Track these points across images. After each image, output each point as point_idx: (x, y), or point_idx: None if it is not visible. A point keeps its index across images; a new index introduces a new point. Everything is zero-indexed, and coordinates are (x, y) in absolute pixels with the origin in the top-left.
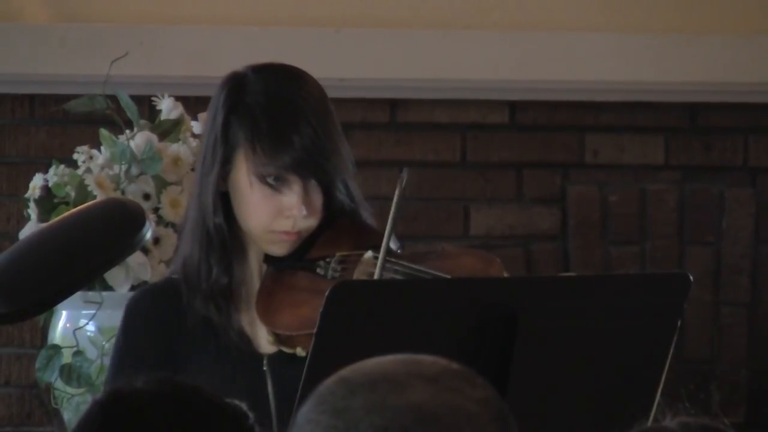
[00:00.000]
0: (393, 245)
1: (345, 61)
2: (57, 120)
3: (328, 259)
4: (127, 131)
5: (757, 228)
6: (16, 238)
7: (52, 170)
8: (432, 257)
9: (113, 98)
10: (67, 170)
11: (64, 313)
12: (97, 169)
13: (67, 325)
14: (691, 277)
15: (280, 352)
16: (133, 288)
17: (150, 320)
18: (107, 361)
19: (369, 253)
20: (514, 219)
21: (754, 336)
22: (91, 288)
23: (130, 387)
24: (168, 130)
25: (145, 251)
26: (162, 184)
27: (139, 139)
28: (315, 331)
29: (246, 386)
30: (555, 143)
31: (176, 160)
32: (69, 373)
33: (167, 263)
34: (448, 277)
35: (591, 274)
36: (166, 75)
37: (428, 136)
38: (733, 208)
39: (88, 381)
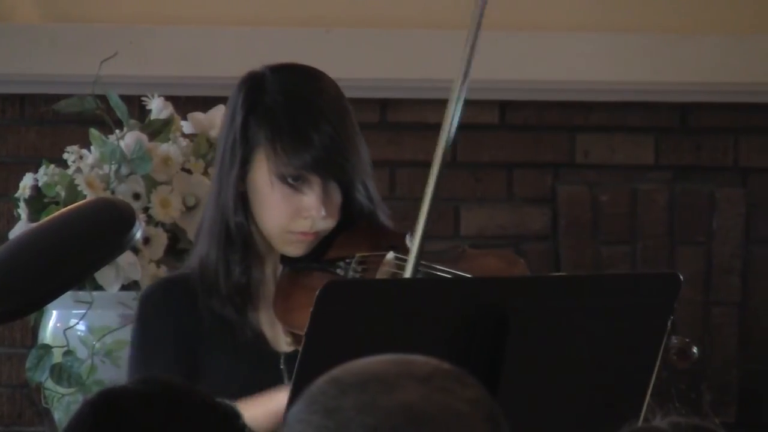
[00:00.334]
0: (415, 245)
1: (335, 61)
2: (47, 120)
3: (348, 260)
4: (117, 131)
5: (748, 228)
6: (6, 238)
7: (42, 170)
8: (455, 258)
9: (103, 98)
10: (57, 170)
11: (55, 312)
12: (87, 168)
13: (58, 324)
14: (682, 277)
15: (296, 351)
16: (123, 288)
17: (165, 311)
18: (97, 360)
19: (391, 254)
20: (504, 219)
21: (744, 336)
22: (81, 288)
23: (122, 387)
24: (158, 130)
25: (135, 251)
26: (152, 183)
27: (129, 139)
28: (305, 330)
29: (263, 385)
30: (546, 143)
31: (166, 160)
32: (59, 373)
33: (157, 263)
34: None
35: (582, 274)
36: (156, 75)
37: (419, 136)
38: (724, 208)
39: (79, 381)
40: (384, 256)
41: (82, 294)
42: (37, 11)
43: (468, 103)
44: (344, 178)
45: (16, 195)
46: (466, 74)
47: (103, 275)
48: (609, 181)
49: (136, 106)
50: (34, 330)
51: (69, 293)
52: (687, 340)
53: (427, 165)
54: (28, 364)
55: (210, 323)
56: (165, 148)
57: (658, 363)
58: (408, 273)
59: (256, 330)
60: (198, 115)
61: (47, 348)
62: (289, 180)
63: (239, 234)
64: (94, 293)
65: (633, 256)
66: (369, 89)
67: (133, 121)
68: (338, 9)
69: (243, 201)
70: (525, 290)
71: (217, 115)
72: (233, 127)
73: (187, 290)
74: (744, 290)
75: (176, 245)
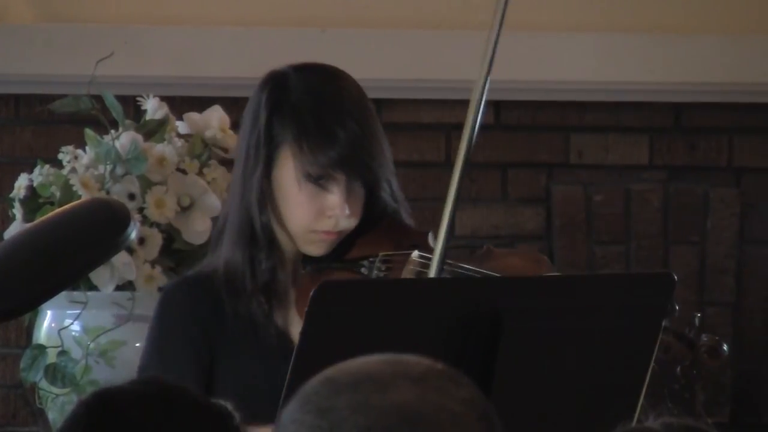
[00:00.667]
0: (439, 244)
1: (330, 61)
2: (42, 120)
3: (371, 259)
4: (112, 131)
5: (742, 228)
6: (1, 238)
7: (37, 170)
8: (480, 257)
9: (98, 98)
10: (52, 170)
11: (49, 312)
12: (82, 169)
13: (52, 324)
14: (676, 277)
15: None
16: (118, 288)
17: (186, 310)
18: (92, 361)
19: (416, 253)
20: (499, 219)
21: (738, 336)
22: (76, 288)
23: (116, 387)
24: (153, 130)
25: (130, 251)
26: (147, 184)
27: (124, 139)
28: (300, 330)
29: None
30: (540, 143)
31: (161, 160)
32: (54, 373)
33: (152, 263)
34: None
35: (576, 274)
36: (151, 75)
37: (413, 136)
38: (718, 208)
39: (73, 381)
40: (408, 255)
41: (76, 294)
42: (31, 11)
43: (462, 103)
44: (370, 177)
45: (11, 195)
46: (487, 75)
47: (98, 275)
48: (603, 181)
49: (132, 107)
50: (29, 330)
51: (63, 293)
52: (717, 338)
53: (422, 165)
54: (22, 364)
55: (233, 323)
56: (160, 148)
57: (652, 363)
58: (433, 272)
59: (280, 330)
60: (193, 116)
61: (42, 348)
62: (315, 178)
63: (264, 234)
64: (89, 293)
65: (627, 256)
66: (363, 89)
67: (128, 122)
68: (333, 9)
69: (267, 200)
70: (519, 290)
71: (213, 115)
72: (257, 126)
73: (209, 290)
74: (738, 290)
75: (171, 245)
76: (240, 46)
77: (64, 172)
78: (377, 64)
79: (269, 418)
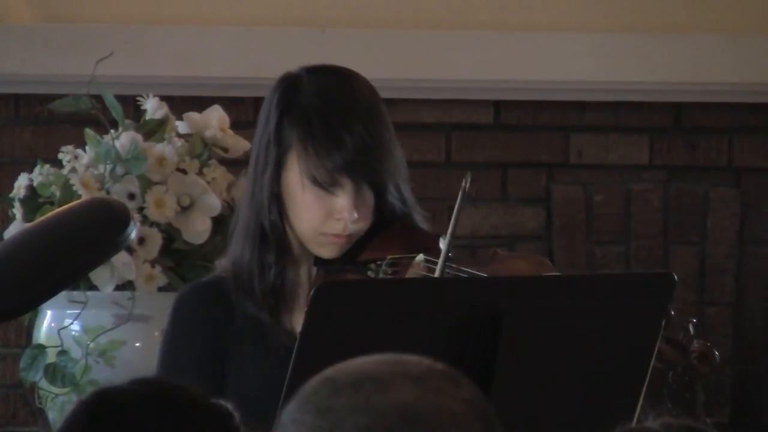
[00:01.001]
0: (444, 248)
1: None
2: (42, 120)
3: (379, 262)
4: (112, 131)
5: (742, 228)
6: (1, 238)
7: (37, 170)
8: (486, 261)
9: (98, 98)
10: (52, 170)
11: (49, 312)
12: (82, 168)
13: (52, 324)
14: (676, 277)
15: None
16: (117, 288)
17: (199, 315)
18: (91, 360)
19: (420, 256)
20: (498, 219)
21: (738, 336)
22: (75, 287)
23: (116, 387)
24: (153, 130)
25: (130, 251)
26: (147, 183)
27: (123, 139)
28: (300, 330)
29: None
30: (540, 143)
31: (161, 160)
32: (53, 373)
33: (152, 263)
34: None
35: (576, 274)
36: (151, 75)
37: (413, 136)
38: (718, 208)
39: (73, 381)
40: (414, 258)
41: (76, 294)
42: (31, 11)
43: (462, 103)
44: (376, 181)
45: (11, 195)
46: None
47: (98, 275)
48: (603, 180)
49: (132, 106)
50: (29, 330)
51: (63, 293)
52: (708, 344)
53: (422, 165)
54: (22, 364)
55: (243, 325)
56: (160, 148)
57: (652, 363)
58: (437, 275)
59: (289, 332)
60: (193, 115)
61: (41, 348)
62: (321, 182)
63: (274, 235)
64: (89, 293)
65: (627, 256)
66: None
67: (128, 121)
68: (333, 9)
69: (277, 202)
70: (519, 290)
71: (213, 115)
72: (267, 128)
73: (221, 294)
74: (738, 290)
75: (171, 245)
76: (240, 46)
77: (64, 171)
78: (377, 64)
79: (276, 419)
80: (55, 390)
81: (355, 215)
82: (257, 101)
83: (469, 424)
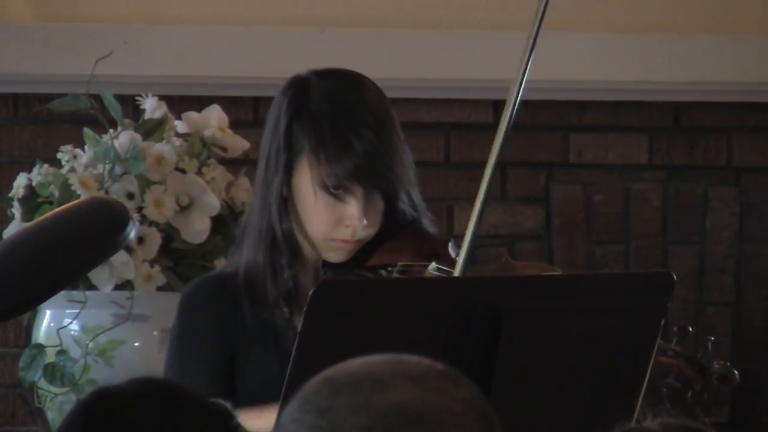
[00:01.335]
0: (453, 253)
1: (329, 60)
2: (41, 119)
3: (389, 268)
4: (111, 131)
5: (741, 227)
6: (0, 238)
7: (36, 169)
8: (497, 269)
9: (97, 98)
10: (51, 169)
11: (48, 312)
12: (80, 168)
13: (51, 324)
14: (675, 277)
15: None
16: (116, 287)
17: (208, 311)
18: (90, 360)
19: (433, 265)
20: (498, 218)
21: (737, 335)
22: (74, 287)
23: (115, 387)
24: (152, 130)
25: (129, 250)
26: (145, 183)
27: (122, 139)
28: (299, 330)
29: None
30: (539, 143)
31: (160, 160)
32: (52, 373)
33: (151, 262)
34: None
35: (575, 274)
36: (150, 74)
37: (412, 136)
38: (717, 208)
39: (72, 380)
40: (426, 266)
41: (75, 293)
42: (30, 11)
43: (461, 103)
44: (387, 190)
45: (10, 194)
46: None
47: (97, 275)
48: (602, 180)
49: (130, 106)
50: (28, 329)
51: (62, 293)
52: (728, 364)
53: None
54: (21, 364)
55: (254, 327)
56: (159, 147)
57: (651, 363)
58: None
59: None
60: (192, 115)
61: (40, 347)
62: (332, 189)
63: (285, 239)
64: (88, 293)
65: (626, 255)
66: None
67: (127, 121)
68: (332, 8)
69: (287, 206)
70: (518, 290)
71: (212, 114)
72: (277, 133)
73: (230, 290)
74: (737, 290)
75: (170, 245)
76: (239, 45)
77: (63, 171)
78: (376, 64)
79: None
80: (54, 389)
81: (365, 222)
82: (256, 101)
83: (469, 424)
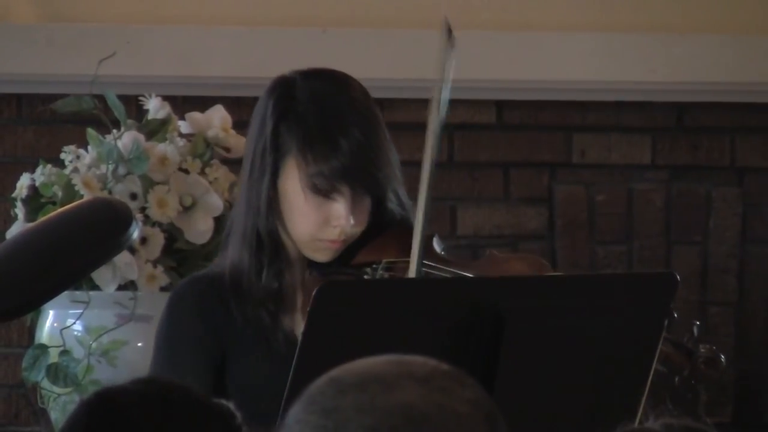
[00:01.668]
0: (437, 247)
1: (331, 61)
2: (44, 120)
3: (374, 266)
4: (114, 131)
5: (744, 228)
6: (3, 238)
7: (39, 170)
8: (482, 262)
9: (100, 98)
10: (54, 170)
11: (51, 312)
12: (84, 168)
13: (54, 324)
14: (678, 277)
15: None
16: (120, 288)
17: (195, 308)
18: (94, 360)
19: None
20: (501, 219)
21: (740, 336)
22: (78, 287)
23: (118, 387)
24: (155, 130)
25: (132, 251)
26: (149, 183)
27: (126, 139)
28: (303, 330)
29: None
30: (542, 143)
31: (163, 160)
32: (56, 373)
33: (154, 263)
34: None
35: (578, 274)
36: (153, 75)
37: (415, 136)
38: (720, 208)
39: (75, 380)
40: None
41: (78, 294)
42: (34, 11)
43: (465, 103)
44: (375, 190)
45: (13, 195)
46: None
47: (100, 275)
48: (605, 180)
49: (134, 106)
50: (31, 330)
51: (66, 293)
52: (714, 348)
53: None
54: (24, 364)
55: (242, 327)
56: (162, 147)
57: (654, 363)
58: (411, 274)
59: (287, 333)
60: (195, 115)
61: (44, 348)
62: (320, 190)
63: (270, 240)
64: (91, 293)
65: (629, 255)
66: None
67: (130, 121)
68: (335, 9)
69: (273, 206)
70: (521, 290)
71: (215, 115)
72: (263, 134)
73: (218, 289)
74: (740, 290)
75: (173, 245)
76: (242, 45)
77: (66, 171)
78: (377, 64)
79: (276, 419)
80: (58, 390)
81: (352, 221)
82: None
83: (474, 425)
